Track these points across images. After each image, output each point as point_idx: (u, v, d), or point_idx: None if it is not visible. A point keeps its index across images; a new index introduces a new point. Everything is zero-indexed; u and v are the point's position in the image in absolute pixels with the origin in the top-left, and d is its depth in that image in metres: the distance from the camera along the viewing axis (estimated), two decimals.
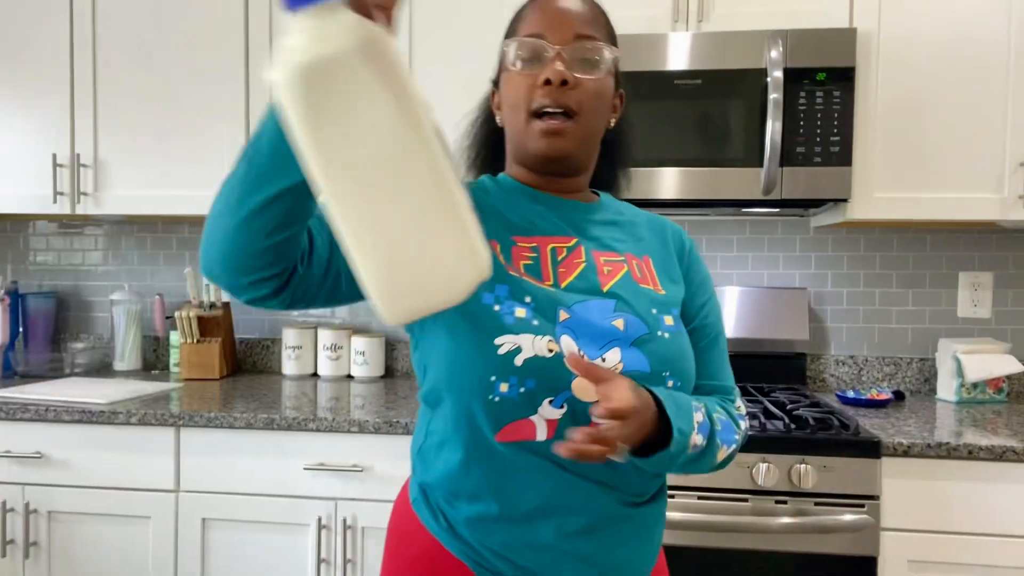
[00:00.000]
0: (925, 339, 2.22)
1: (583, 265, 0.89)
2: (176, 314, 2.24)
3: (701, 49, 1.85)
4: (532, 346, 0.81)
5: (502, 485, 0.84)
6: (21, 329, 2.36)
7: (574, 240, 0.91)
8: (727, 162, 1.84)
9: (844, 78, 1.81)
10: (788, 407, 1.81)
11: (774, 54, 1.77)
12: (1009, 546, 1.55)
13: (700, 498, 1.60)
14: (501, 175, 0.98)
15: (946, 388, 2.07)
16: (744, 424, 0.95)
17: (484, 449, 0.84)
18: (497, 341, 0.80)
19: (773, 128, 1.77)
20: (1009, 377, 2.07)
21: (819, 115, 1.81)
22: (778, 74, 1.77)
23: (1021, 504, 1.56)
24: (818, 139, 1.82)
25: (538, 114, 0.88)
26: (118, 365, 2.39)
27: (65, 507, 1.83)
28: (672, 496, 1.61)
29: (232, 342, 2.40)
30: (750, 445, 1.59)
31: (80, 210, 2.16)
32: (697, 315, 0.96)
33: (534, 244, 0.89)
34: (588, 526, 0.85)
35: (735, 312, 2.18)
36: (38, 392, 1.95)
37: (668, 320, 0.89)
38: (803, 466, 1.57)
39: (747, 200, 1.86)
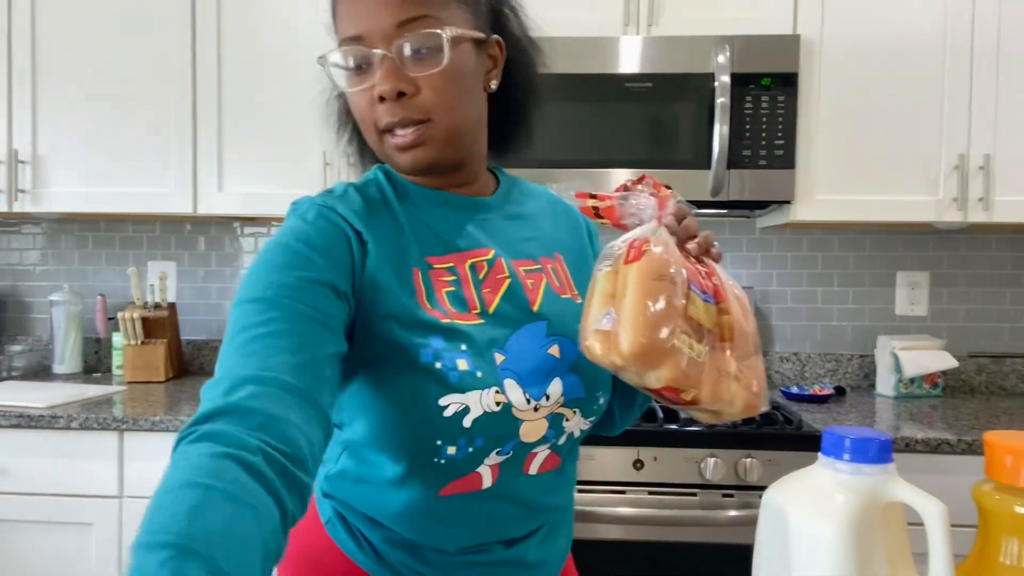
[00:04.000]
0: (865, 336, 2.29)
1: (508, 281, 0.78)
2: (119, 315, 2.19)
3: (651, 53, 1.88)
4: (480, 403, 0.72)
5: (444, 530, 0.79)
6: None
7: (491, 252, 0.79)
8: (676, 164, 1.88)
9: (788, 83, 1.86)
10: None
11: (721, 59, 1.82)
12: None
13: (650, 493, 1.63)
14: (388, 170, 0.83)
15: (885, 383, 2.15)
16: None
17: (424, 502, 0.77)
18: (442, 402, 0.71)
19: (720, 131, 1.81)
20: (944, 372, 2.16)
21: (764, 119, 1.86)
22: (725, 78, 1.81)
23: (954, 494, 1.63)
24: (763, 142, 1.86)
25: (389, 130, 0.74)
26: (58, 368, 2.31)
27: (3, 515, 1.77)
28: (623, 492, 1.63)
29: (178, 344, 2.35)
30: (699, 441, 1.63)
31: (18, 208, 2.08)
32: None
33: (450, 264, 0.77)
34: (519, 540, 0.83)
35: None
36: None
37: None
38: (749, 460, 1.61)
39: (696, 201, 1.89)
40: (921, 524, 0.55)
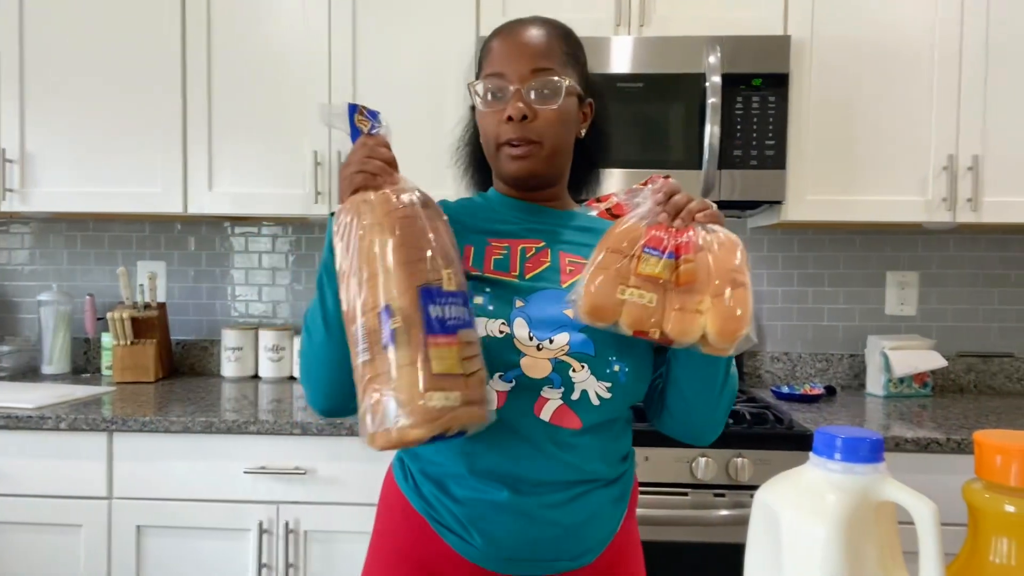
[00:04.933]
0: (855, 336, 2.31)
1: (547, 264, 0.99)
2: (108, 315, 2.17)
3: (643, 53, 1.88)
4: (485, 328, 0.91)
5: (457, 447, 0.91)
6: None
7: (542, 243, 1.01)
8: (667, 164, 1.88)
9: (779, 84, 1.86)
10: None
11: (712, 59, 1.82)
12: None
13: (641, 493, 1.63)
14: (491, 189, 1.09)
15: (874, 383, 2.16)
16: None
17: None
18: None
19: (712, 132, 1.81)
20: (933, 372, 2.17)
21: (755, 119, 1.87)
22: (716, 79, 1.81)
23: (944, 493, 1.64)
24: (754, 143, 1.87)
25: (508, 144, 0.98)
26: (46, 368, 2.30)
27: None
28: None
29: (168, 344, 2.34)
30: None
31: (6, 207, 2.07)
32: None
33: (506, 244, 1.00)
34: (536, 489, 0.91)
35: None
36: None
37: None
38: (740, 460, 1.62)
39: None
40: (912, 523, 0.55)
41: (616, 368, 0.92)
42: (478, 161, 1.12)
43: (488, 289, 0.94)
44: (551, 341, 0.91)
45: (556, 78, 0.98)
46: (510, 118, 0.96)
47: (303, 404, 1.89)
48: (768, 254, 2.32)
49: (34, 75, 2.06)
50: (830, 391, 2.15)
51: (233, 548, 1.74)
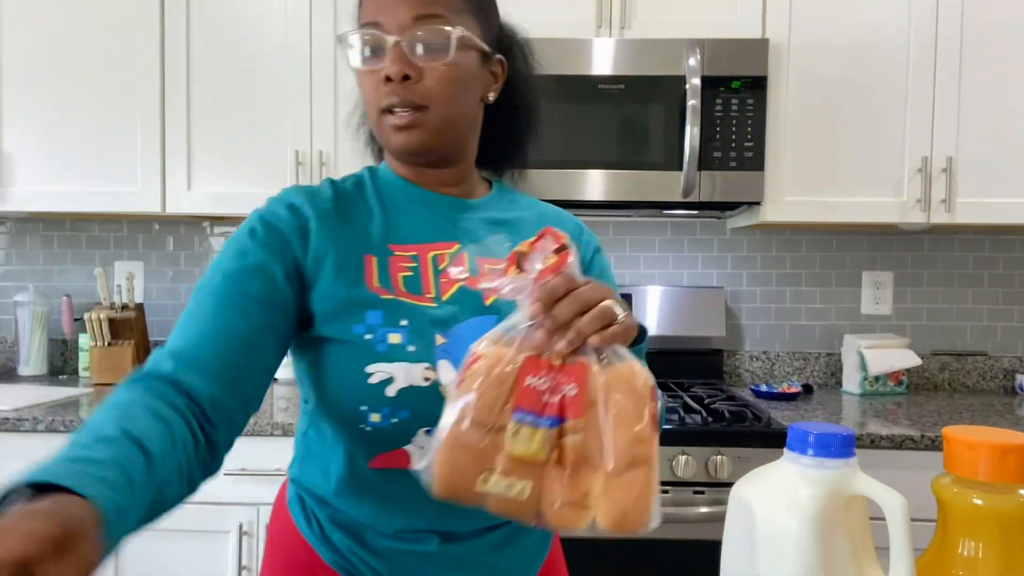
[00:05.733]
0: (831, 335, 2.34)
1: (479, 276, 0.80)
2: (85, 316, 2.15)
3: (624, 55, 1.90)
4: (406, 376, 0.75)
5: (378, 507, 0.82)
6: None
7: (456, 246, 0.84)
8: (648, 165, 1.90)
9: (757, 86, 1.89)
10: (706, 401, 1.88)
11: (692, 62, 1.84)
12: None
13: None
14: (382, 165, 0.91)
15: (851, 381, 2.19)
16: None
17: (358, 474, 0.81)
18: (368, 370, 0.76)
19: (692, 133, 1.83)
20: (908, 370, 2.20)
21: (734, 121, 1.89)
22: (696, 81, 1.83)
23: (918, 489, 1.66)
24: (733, 144, 1.89)
25: (389, 110, 0.80)
26: (23, 370, 2.27)
27: None
28: None
29: (147, 344, 2.32)
30: (670, 439, 1.65)
31: None
32: None
33: (413, 253, 0.82)
34: (465, 536, 0.83)
35: (657, 311, 2.24)
36: None
37: None
38: (719, 457, 1.63)
39: (667, 202, 1.92)
40: (883, 519, 0.56)
41: None
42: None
43: (404, 322, 0.77)
44: None
45: (446, 27, 0.78)
46: (388, 79, 0.78)
47: (283, 405, 1.88)
48: (747, 254, 2.34)
49: (10, 74, 2.04)
50: (807, 389, 2.18)
51: (213, 550, 1.73)
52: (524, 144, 0.96)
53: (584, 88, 1.89)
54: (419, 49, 0.78)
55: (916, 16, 1.94)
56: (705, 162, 1.89)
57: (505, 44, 0.91)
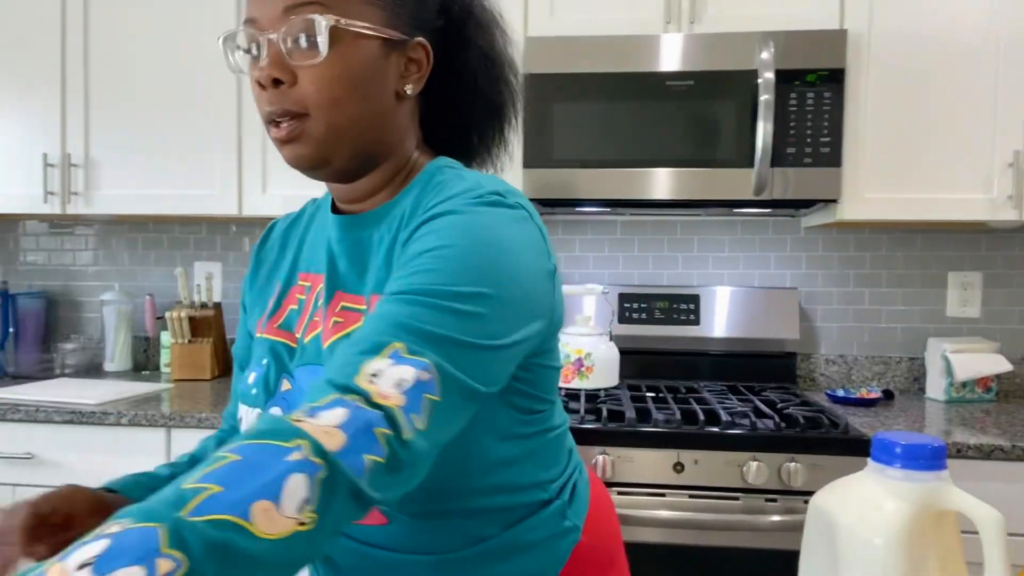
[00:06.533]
0: (915, 338, 2.23)
1: (328, 315, 0.73)
2: (167, 314, 2.24)
3: (693, 50, 1.86)
4: (247, 419, 0.75)
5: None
6: (11, 330, 2.35)
7: (322, 278, 0.75)
8: (718, 163, 1.85)
9: (834, 79, 1.82)
10: (778, 406, 1.82)
11: (765, 55, 1.78)
12: None
13: (691, 496, 1.61)
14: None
15: (935, 387, 2.09)
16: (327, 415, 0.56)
17: None
18: (239, 413, 0.77)
19: (764, 129, 1.78)
20: (998, 376, 2.09)
21: (809, 116, 1.83)
22: (769, 75, 1.78)
23: (1009, 502, 1.57)
24: (808, 140, 1.83)
25: (272, 121, 0.70)
26: (108, 366, 2.38)
27: None
28: (663, 495, 1.61)
29: (223, 342, 2.40)
30: (741, 444, 1.60)
31: (71, 210, 2.15)
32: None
33: (308, 283, 0.76)
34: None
35: (726, 312, 2.19)
36: (29, 393, 1.94)
37: None
38: (793, 464, 1.58)
39: (738, 200, 1.87)
40: (974, 532, 0.53)
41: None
42: None
43: (265, 362, 0.74)
44: None
45: (314, 16, 0.65)
46: (262, 85, 0.68)
47: None
48: (823, 254, 2.26)
49: (98, 83, 2.14)
50: (888, 395, 2.08)
51: None
52: (487, 134, 0.82)
53: (652, 85, 1.86)
54: (292, 48, 0.67)
55: (1003, 3, 1.83)
56: (778, 159, 1.83)
57: (455, 20, 0.76)
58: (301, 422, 0.50)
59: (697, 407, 1.73)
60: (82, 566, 0.41)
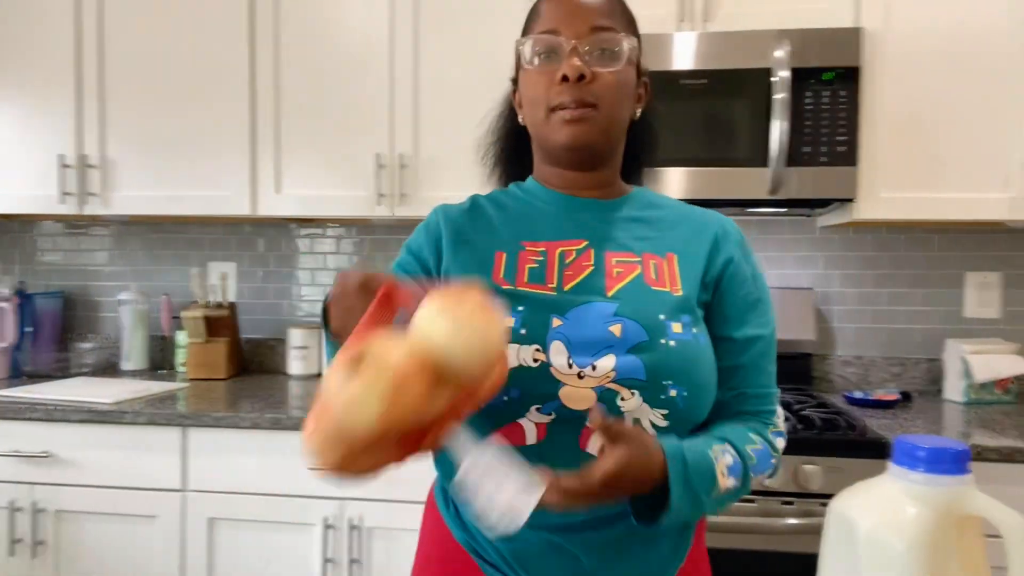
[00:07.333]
0: (932, 339, 2.21)
1: (590, 269, 0.88)
2: (183, 314, 2.25)
3: (707, 49, 1.84)
4: (516, 356, 0.81)
5: None
6: (29, 329, 2.37)
7: (584, 243, 0.91)
8: (733, 162, 1.84)
9: (850, 78, 1.80)
10: (795, 407, 1.81)
11: (780, 54, 1.77)
12: None
13: None
14: (529, 179, 0.99)
15: (953, 389, 2.06)
16: (781, 442, 0.92)
17: None
18: (511, 349, 0.81)
19: (779, 128, 1.76)
20: (1018, 378, 2.06)
21: (825, 115, 1.81)
22: (784, 74, 1.76)
23: None
24: (824, 139, 1.81)
25: (560, 107, 0.87)
26: (125, 365, 2.40)
27: (72, 506, 1.84)
28: None
29: (238, 342, 2.41)
30: None
31: (87, 210, 2.17)
32: (738, 317, 0.92)
33: (542, 248, 0.90)
34: (586, 528, 0.84)
35: None
36: (46, 392, 1.96)
37: (676, 327, 0.84)
38: (810, 467, 1.56)
39: (753, 200, 1.86)
40: (998, 537, 0.52)
41: (672, 393, 0.81)
42: (508, 157, 1.04)
43: (521, 307, 0.84)
44: (594, 368, 0.81)
45: (619, 35, 0.88)
46: (565, 78, 0.85)
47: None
48: (839, 254, 2.24)
49: (114, 85, 2.15)
50: (906, 397, 2.06)
51: (300, 542, 1.78)
52: (648, 160, 1.06)
53: (666, 84, 1.85)
54: (595, 55, 0.87)
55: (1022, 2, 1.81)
56: (794, 158, 1.81)
57: (643, 71, 0.98)
58: (780, 438, 0.94)
59: None
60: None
